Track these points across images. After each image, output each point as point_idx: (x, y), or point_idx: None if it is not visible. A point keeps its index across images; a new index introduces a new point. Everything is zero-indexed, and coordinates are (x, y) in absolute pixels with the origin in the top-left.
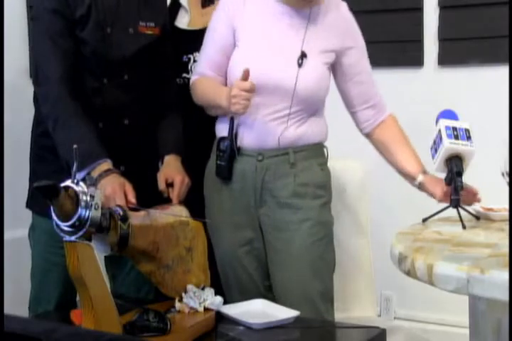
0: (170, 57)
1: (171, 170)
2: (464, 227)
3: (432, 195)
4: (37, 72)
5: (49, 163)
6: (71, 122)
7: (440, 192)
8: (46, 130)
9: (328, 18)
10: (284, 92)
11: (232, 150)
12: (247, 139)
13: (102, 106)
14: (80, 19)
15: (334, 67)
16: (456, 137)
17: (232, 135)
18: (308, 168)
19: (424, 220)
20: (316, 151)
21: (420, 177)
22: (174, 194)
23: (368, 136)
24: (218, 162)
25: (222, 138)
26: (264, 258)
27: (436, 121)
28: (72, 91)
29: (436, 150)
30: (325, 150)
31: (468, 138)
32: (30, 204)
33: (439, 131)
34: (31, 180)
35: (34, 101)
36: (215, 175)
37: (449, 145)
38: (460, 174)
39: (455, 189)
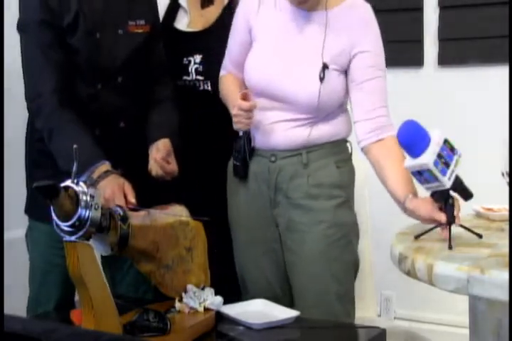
0: (162, 54)
1: (170, 148)
2: (450, 248)
3: (417, 215)
4: (28, 86)
5: (47, 168)
6: (65, 130)
7: (425, 212)
8: (42, 136)
9: (341, 22)
10: (291, 101)
11: (245, 150)
12: (259, 140)
13: (98, 112)
14: (67, 27)
15: (346, 72)
16: None
17: (246, 135)
18: (323, 167)
19: (417, 237)
20: (334, 149)
21: (409, 197)
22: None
23: (364, 152)
24: (234, 162)
25: (238, 138)
26: (281, 258)
27: (407, 133)
28: (65, 102)
29: (447, 164)
30: (348, 145)
31: None
32: (27, 209)
33: (446, 142)
34: (28, 185)
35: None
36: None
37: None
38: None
39: (452, 204)
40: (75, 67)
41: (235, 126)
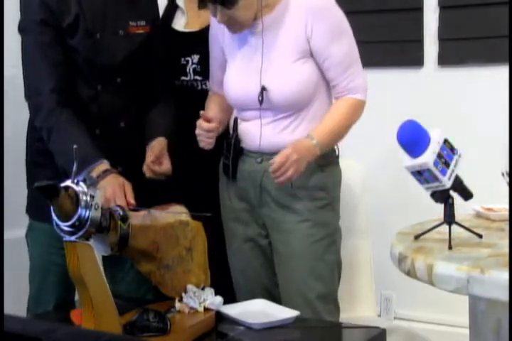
0: (161, 53)
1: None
2: (450, 248)
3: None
4: (28, 85)
5: (47, 168)
6: (63, 129)
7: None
8: (42, 135)
9: (286, 19)
10: (270, 107)
11: (234, 150)
12: (247, 143)
13: (98, 112)
14: (67, 28)
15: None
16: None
17: (234, 136)
18: (307, 170)
19: (417, 237)
20: None
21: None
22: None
23: None
24: (224, 160)
25: (228, 138)
26: (270, 254)
27: (404, 136)
28: (64, 101)
29: (447, 164)
30: (334, 147)
31: None
32: (28, 209)
33: (446, 141)
34: (29, 185)
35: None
36: None
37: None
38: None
39: (452, 204)
40: (76, 68)
41: (199, 144)
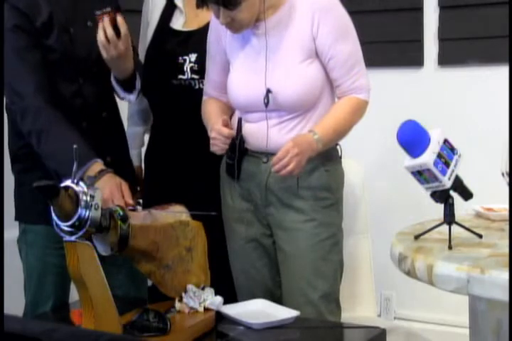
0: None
1: None
2: (450, 248)
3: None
4: (10, 90)
5: (37, 171)
6: (55, 131)
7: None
8: (28, 140)
9: (291, 20)
10: (277, 108)
11: (239, 151)
12: (252, 143)
13: (83, 106)
14: (42, 27)
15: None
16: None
17: (239, 136)
18: (312, 170)
19: (417, 237)
20: (324, 152)
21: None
22: None
23: None
24: (227, 160)
25: (232, 138)
26: (273, 254)
27: (403, 135)
28: (50, 101)
29: (447, 164)
30: (338, 148)
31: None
32: (19, 216)
33: (446, 141)
34: (19, 192)
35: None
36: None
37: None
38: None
39: (452, 204)
40: (55, 66)
41: (212, 148)
